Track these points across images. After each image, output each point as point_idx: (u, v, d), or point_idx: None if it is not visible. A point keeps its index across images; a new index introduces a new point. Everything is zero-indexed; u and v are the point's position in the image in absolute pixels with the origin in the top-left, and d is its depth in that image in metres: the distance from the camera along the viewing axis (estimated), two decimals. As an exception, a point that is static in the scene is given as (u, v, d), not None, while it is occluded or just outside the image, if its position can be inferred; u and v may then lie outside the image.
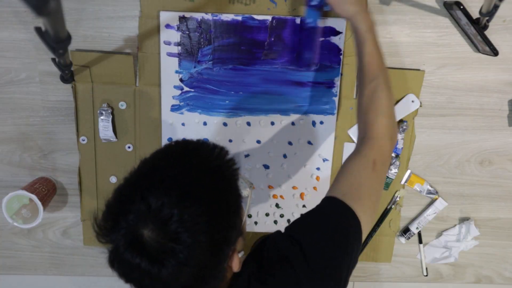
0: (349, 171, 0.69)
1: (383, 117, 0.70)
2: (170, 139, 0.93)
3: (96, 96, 0.91)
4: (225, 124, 0.93)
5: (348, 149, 0.95)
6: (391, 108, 0.72)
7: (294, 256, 0.61)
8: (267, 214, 0.99)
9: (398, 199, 0.98)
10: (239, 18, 0.86)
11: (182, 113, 0.92)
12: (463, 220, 1.02)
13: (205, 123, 0.93)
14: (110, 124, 0.91)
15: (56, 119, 0.93)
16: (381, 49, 0.73)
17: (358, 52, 0.73)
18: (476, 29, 0.83)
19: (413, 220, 1.02)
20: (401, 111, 0.93)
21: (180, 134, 0.93)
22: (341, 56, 0.89)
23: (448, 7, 0.87)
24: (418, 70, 0.91)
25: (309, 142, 0.94)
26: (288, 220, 0.99)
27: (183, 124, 0.93)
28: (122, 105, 0.91)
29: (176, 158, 0.57)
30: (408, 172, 0.97)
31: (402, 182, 0.98)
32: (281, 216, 0.99)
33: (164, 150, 0.60)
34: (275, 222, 0.99)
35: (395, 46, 0.90)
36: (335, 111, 0.92)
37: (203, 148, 0.59)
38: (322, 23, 0.86)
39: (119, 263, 0.52)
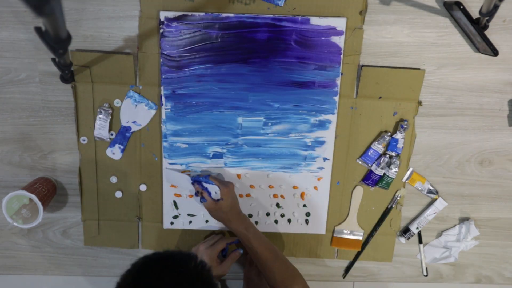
0: None
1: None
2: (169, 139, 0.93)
3: (96, 96, 0.91)
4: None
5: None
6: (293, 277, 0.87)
7: None
8: (267, 214, 0.99)
9: (399, 198, 0.98)
10: (239, 18, 0.86)
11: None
12: (463, 220, 1.02)
13: (205, 123, 0.93)
14: (107, 124, 0.91)
15: (56, 119, 0.93)
16: (264, 238, 0.89)
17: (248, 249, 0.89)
18: (476, 29, 0.83)
19: (413, 220, 1.02)
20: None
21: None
22: (341, 56, 0.89)
23: (448, 7, 0.87)
24: (418, 70, 0.91)
25: (309, 142, 0.94)
26: (289, 220, 0.99)
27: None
28: (122, 105, 0.92)
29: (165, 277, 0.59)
30: (410, 169, 0.97)
31: (404, 180, 0.98)
32: (282, 215, 0.99)
33: (145, 271, 0.60)
34: (276, 221, 0.99)
35: (395, 46, 0.90)
36: (335, 111, 0.92)
37: (186, 263, 0.61)
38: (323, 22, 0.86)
39: None
